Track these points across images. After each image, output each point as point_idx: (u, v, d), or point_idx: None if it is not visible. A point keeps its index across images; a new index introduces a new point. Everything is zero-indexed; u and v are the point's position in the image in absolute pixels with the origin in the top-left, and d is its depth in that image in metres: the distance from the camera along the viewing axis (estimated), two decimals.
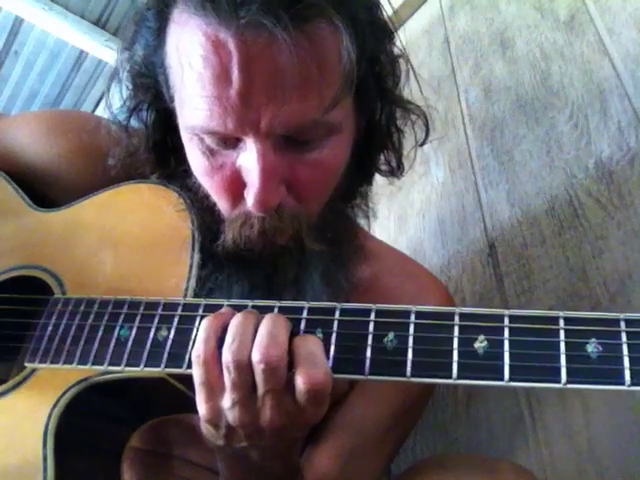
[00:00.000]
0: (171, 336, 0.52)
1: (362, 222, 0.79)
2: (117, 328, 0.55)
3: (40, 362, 0.58)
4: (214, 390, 0.48)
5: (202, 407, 0.49)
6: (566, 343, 0.42)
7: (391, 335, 0.46)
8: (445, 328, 0.45)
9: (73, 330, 0.57)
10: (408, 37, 1.37)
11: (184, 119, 0.58)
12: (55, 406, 0.54)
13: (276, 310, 0.50)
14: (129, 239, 0.63)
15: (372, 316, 0.47)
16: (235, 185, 0.58)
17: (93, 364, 0.54)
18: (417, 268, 0.81)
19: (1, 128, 0.77)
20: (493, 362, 0.43)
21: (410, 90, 0.70)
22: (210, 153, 0.58)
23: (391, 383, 0.48)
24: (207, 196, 0.62)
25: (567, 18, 0.97)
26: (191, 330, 0.52)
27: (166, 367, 0.51)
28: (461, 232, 1.00)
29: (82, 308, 0.58)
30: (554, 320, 0.43)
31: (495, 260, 0.90)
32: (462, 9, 1.24)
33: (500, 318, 0.44)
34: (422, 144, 0.72)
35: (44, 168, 0.74)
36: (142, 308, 0.55)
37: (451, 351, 0.44)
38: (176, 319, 0.53)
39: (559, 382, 0.41)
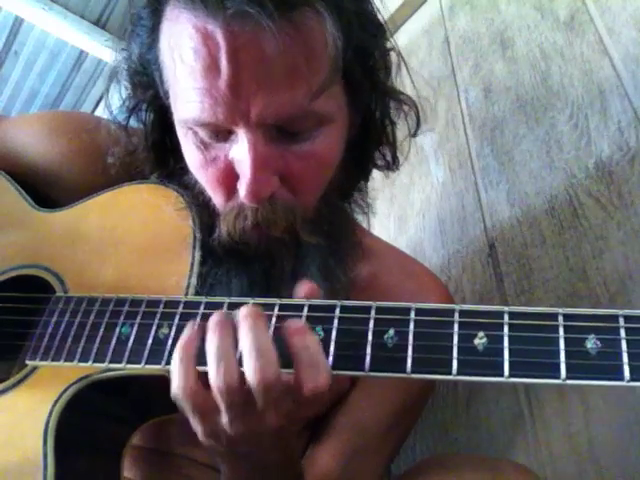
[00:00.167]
0: (172, 334, 0.52)
1: (363, 223, 0.79)
2: (118, 326, 0.55)
3: (41, 360, 0.58)
4: (208, 414, 0.48)
5: (199, 428, 0.49)
6: (565, 339, 0.42)
7: (391, 332, 0.46)
8: (445, 325, 0.45)
9: (74, 328, 0.57)
10: (408, 37, 1.37)
11: (178, 113, 0.59)
12: (56, 403, 0.54)
13: (276, 309, 0.50)
14: (130, 239, 0.63)
15: (372, 313, 0.47)
16: (228, 178, 0.58)
17: (94, 361, 0.54)
18: (417, 266, 0.81)
19: (3, 129, 0.77)
20: (493, 358, 0.43)
21: (404, 84, 0.70)
22: (204, 146, 0.58)
23: (392, 382, 0.48)
24: (203, 191, 0.62)
25: (567, 18, 0.98)
26: None
27: (167, 364, 0.51)
28: (461, 232, 1.00)
29: (83, 306, 0.58)
30: (553, 317, 0.43)
31: (495, 260, 0.90)
32: (462, 9, 1.24)
33: (500, 315, 0.44)
34: (414, 135, 0.72)
35: (46, 168, 0.74)
36: (143, 306, 0.55)
37: (451, 347, 0.44)
38: (177, 317, 0.53)
39: (558, 378, 0.41)
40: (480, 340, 0.44)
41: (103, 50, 2.44)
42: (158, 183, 0.66)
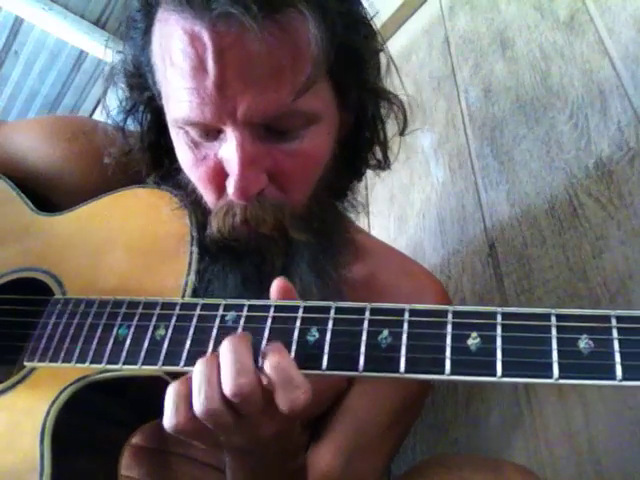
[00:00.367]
0: (169, 334, 0.53)
1: (362, 223, 0.79)
2: (116, 327, 0.55)
3: (39, 361, 0.58)
4: (204, 436, 0.48)
5: (199, 445, 0.51)
6: (558, 339, 0.42)
7: (385, 332, 0.46)
8: (438, 325, 0.45)
9: (72, 329, 0.58)
10: (408, 37, 1.37)
11: (169, 113, 0.60)
12: (53, 404, 0.54)
13: (272, 311, 0.50)
14: (128, 241, 0.64)
15: (367, 314, 0.48)
16: (218, 176, 0.59)
17: (91, 362, 0.55)
18: (414, 266, 0.81)
19: (2, 134, 0.78)
20: (486, 358, 0.43)
21: (393, 85, 0.70)
22: (194, 146, 0.60)
23: (391, 380, 0.48)
24: (195, 190, 0.64)
25: (567, 18, 0.97)
26: (188, 328, 0.52)
27: (163, 365, 0.52)
28: (461, 232, 1.00)
29: (81, 308, 0.59)
30: (546, 317, 0.43)
31: (495, 260, 0.90)
32: (462, 9, 1.24)
33: (493, 315, 0.44)
34: (402, 133, 0.72)
35: (47, 172, 0.75)
36: (141, 308, 0.56)
37: (444, 347, 0.44)
38: (174, 318, 0.54)
39: (551, 377, 0.41)
40: (473, 340, 0.44)
41: (103, 50, 2.44)
42: (154, 187, 0.67)
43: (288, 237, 0.62)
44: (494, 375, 0.42)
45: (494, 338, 0.43)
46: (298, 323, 0.49)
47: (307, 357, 0.48)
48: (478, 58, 1.13)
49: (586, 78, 0.90)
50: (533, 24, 1.04)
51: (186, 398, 0.47)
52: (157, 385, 0.55)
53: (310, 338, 0.48)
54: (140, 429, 0.60)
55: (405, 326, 0.46)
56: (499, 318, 0.44)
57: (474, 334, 0.44)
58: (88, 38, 2.40)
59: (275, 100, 0.55)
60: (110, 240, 0.65)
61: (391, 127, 0.72)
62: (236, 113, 0.55)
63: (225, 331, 0.51)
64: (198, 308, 0.53)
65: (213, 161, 0.59)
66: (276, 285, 0.51)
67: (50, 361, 0.57)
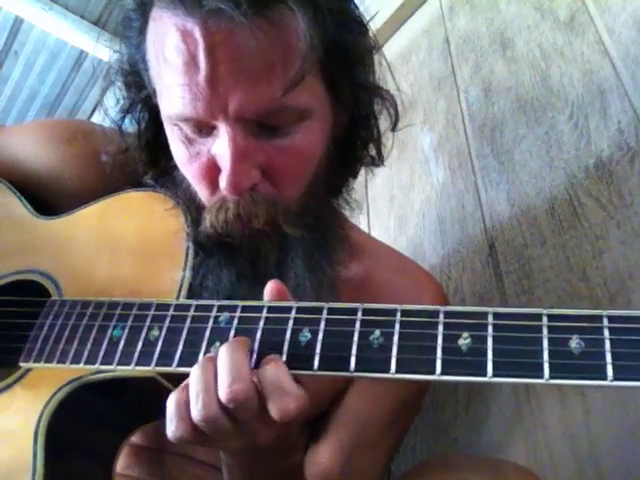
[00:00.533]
0: (162, 335, 0.53)
1: (362, 223, 0.79)
2: (110, 328, 0.56)
3: (35, 361, 0.58)
4: (205, 440, 0.48)
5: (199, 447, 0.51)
6: (549, 339, 0.42)
7: (377, 332, 0.46)
8: (430, 325, 0.45)
9: (68, 330, 0.58)
10: (408, 37, 1.37)
11: (163, 110, 0.61)
12: (47, 404, 0.54)
13: (265, 311, 0.51)
14: (125, 244, 0.64)
15: (359, 315, 0.48)
16: (211, 172, 0.60)
17: (86, 363, 0.55)
18: (411, 265, 0.81)
19: (2, 138, 0.78)
20: (476, 358, 0.43)
21: (386, 82, 0.71)
22: (188, 142, 0.60)
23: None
24: (189, 186, 0.64)
25: (567, 18, 0.97)
26: (182, 329, 0.53)
27: (157, 365, 0.52)
28: (461, 232, 1.00)
29: (77, 309, 0.59)
30: (537, 317, 0.43)
31: (495, 260, 0.90)
32: (462, 9, 1.24)
33: (484, 315, 0.45)
34: (393, 129, 0.73)
35: (46, 175, 0.75)
36: (135, 309, 0.56)
37: (435, 348, 0.44)
38: (167, 319, 0.54)
39: (542, 378, 0.41)
40: (464, 340, 0.44)
41: (103, 50, 2.44)
42: (148, 189, 0.68)
43: (282, 233, 0.62)
44: (484, 375, 0.42)
45: (485, 338, 0.43)
46: (290, 324, 0.49)
47: (299, 358, 0.48)
48: (478, 58, 1.13)
49: (586, 78, 0.90)
50: (533, 24, 1.04)
51: (187, 405, 0.47)
52: (153, 388, 0.55)
53: (302, 339, 0.48)
54: (140, 429, 0.60)
55: (397, 326, 0.46)
56: (490, 318, 0.44)
57: (465, 334, 0.44)
58: (88, 38, 2.40)
59: (266, 95, 0.55)
60: (106, 243, 0.65)
61: (385, 123, 0.72)
62: (228, 108, 0.55)
63: (218, 332, 0.51)
64: (192, 309, 0.54)
65: (206, 157, 0.60)
66: (270, 287, 0.51)
67: (45, 362, 0.58)
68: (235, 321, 0.51)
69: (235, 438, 0.48)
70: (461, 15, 1.24)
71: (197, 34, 0.54)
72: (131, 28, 0.62)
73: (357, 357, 0.46)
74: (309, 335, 0.48)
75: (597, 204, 0.79)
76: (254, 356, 0.48)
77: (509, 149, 0.97)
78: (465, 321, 0.45)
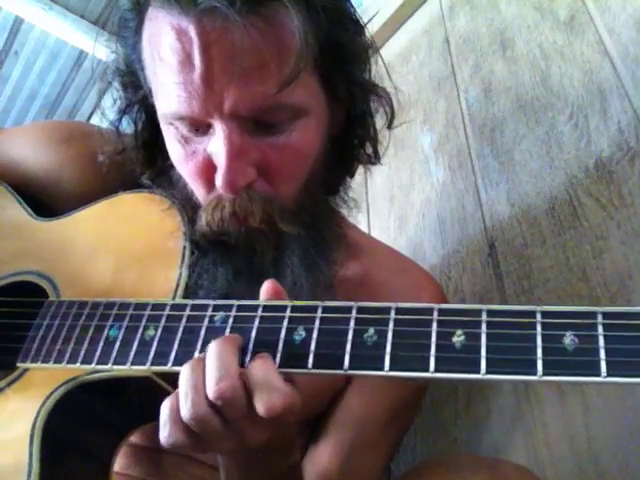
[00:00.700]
0: (158, 335, 0.53)
1: (362, 223, 0.79)
2: (107, 328, 0.56)
3: (32, 362, 0.58)
4: (197, 444, 0.48)
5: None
6: (543, 336, 0.42)
7: (371, 330, 0.47)
8: (424, 323, 0.45)
9: (65, 331, 0.58)
10: (408, 37, 1.37)
11: (159, 109, 0.61)
12: (44, 404, 0.54)
13: (260, 310, 0.51)
14: (121, 244, 0.65)
15: (354, 313, 0.48)
16: (207, 170, 0.60)
17: (82, 363, 0.55)
18: (409, 264, 0.81)
19: (0, 140, 0.78)
20: (470, 355, 0.43)
21: (382, 80, 0.71)
22: (184, 141, 0.61)
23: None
24: (186, 185, 0.64)
25: (567, 18, 0.97)
26: (177, 329, 0.53)
27: (152, 365, 0.52)
28: (461, 232, 1.00)
29: (74, 310, 0.59)
30: (531, 314, 0.43)
31: (495, 260, 0.90)
32: (462, 9, 1.24)
33: (478, 313, 0.45)
34: (389, 127, 0.73)
35: (46, 177, 0.75)
36: (131, 309, 0.56)
37: (429, 345, 0.44)
38: (163, 319, 0.54)
39: (535, 374, 0.41)
40: (458, 338, 0.44)
41: (103, 50, 2.44)
42: (144, 190, 0.68)
43: (278, 231, 0.62)
44: (478, 372, 0.42)
45: (479, 335, 0.43)
46: (285, 322, 0.49)
47: (293, 356, 0.48)
48: (478, 58, 1.13)
49: (586, 78, 0.90)
50: (533, 24, 1.04)
51: (179, 411, 0.47)
52: (149, 389, 0.55)
53: (297, 337, 0.48)
54: (139, 429, 0.60)
55: (391, 324, 0.46)
56: (484, 315, 0.44)
57: (459, 331, 0.44)
58: (88, 38, 2.40)
59: (261, 93, 0.56)
60: (103, 244, 0.66)
61: (382, 122, 0.72)
62: (223, 106, 0.56)
63: (213, 331, 0.51)
64: (188, 309, 0.54)
65: (202, 155, 0.60)
66: (266, 287, 0.51)
67: (42, 362, 0.58)
68: (230, 320, 0.51)
69: (226, 439, 0.48)
70: (461, 15, 1.24)
71: (192, 33, 0.54)
72: (127, 28, 0.63)
73: (351, 355, 0.46)
74: (304, 334, 0.48)
75: (597, 204, 0.79)
76: (248, 355, 0.48)
77: (509, 149, 0.97)
78: (459, 318, 0.45)
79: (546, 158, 0.90)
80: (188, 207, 0.64)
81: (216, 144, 0.58)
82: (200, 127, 0.59)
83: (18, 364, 0.59)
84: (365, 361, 0.46)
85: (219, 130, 0.57)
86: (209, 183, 0.61)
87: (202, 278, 0.61)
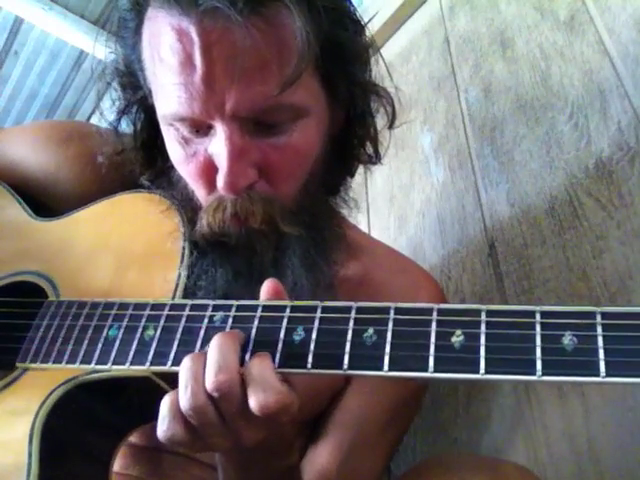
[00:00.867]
0: (157, 335, 0.53)
1: (362, 223, 0.79)
2: (106, 328, 0.56)
3: (31, 362, 0.58)
4: (195, 440, 0.48)
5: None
6: (542, 336, 0.42)
7: (370, 330, 0.47)
8: (423, 323, 0.45)
9: (64, 331, 0.58)
10: (408, 37, 1.37)
11: (159, 110, 0.61)
12: (43, 404, 0.54)
13: (259, 310, 0.51)
14: (120, 245, 0.65)
15: (353, 313, 0.48)
16: (208, 171, 0.60)
17: (81, 363, 0.55)
18: (409, 264, 0.81)
19: (0, 140, 0.78)
20: (469, 355, 0.43)
21: (383, 80, 0.71)
22: (185, 142, 0.60)
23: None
24: (186, 186, 0.64)
25: (567, 18, 0.97)
26: (177, 329, 0.53)
27: (151, 365, 0.52)
28: (461, 232, 1.00)
29: (74, 310, 0.59)
30: (530, 314, 0.43)
31: (495, 260, 0.90)
32: (462, 9, 1.24)
33: (477, 313, 0.45)
34: (390, 127, 0.73)
35: (45, 177, 0.75)
36: (131, 309, 0.56)
37: (428, 345, 0.44)
38: (163, 319, 0.54)
39: (534, 374, 0.41)
40: (457, 338, 0.44)
41: (103, 50, 2.44)
42: (143, 191, 0.68)
43: (279, 231, 0.62)
44: (477, 372, 0.42)
45: (478, 335, 0.43)
46: (285, 322, 0.49)
47: (293, 356, 0.48)
48: (478, 58, 1.13)
49: (586, 78, 0.90)
50: (533, 24, 1.04)
51: (178, 405, 0.47)
52: (149, 389, 0.55)
53: (296, 337, 0.48)
54: (139, 429, 0.60)
55: (390, 324, 0.46)
56: (483, 315, 0.44)
57: (458, 331, 0.44)
58: (88, 38, 2.40)
59: (262, 93, 0.56)
60: (103, 244, 0.66)
61: (382, 122, 0.72)
62: (224, 107, 0.56)
63: (213, 331, 0.51)
64: (187, 309, 0.54)
65: (203, 156, 0.60)
66: (267, 286, 0.51)
67: (41, 362, 0.58)
68: (230, 320, 0.51)
69: (222, 436, 0.48)
70: (461, 15, 1.24)
71: (193, 33, 0.54)
72: (126, 28, 0.63)
73: (350, 355, 0.46)
74: (303, 334, 0.48)
75: (597, 204, 0.79)
76: (248, 354, 0.48)
77: (509, 149, 0.97)
78: (458, 318, 0.45)
79: (546, 158, 0.90)
80: (188, 208, 0.64)
81: (217, 145, 0.58)
82: (201, 128, 0.59)
83: (17, 364, 0.59)
84: (364, 361, 0.46)
85: (220, 131, 0.57)
86: (210, 184, 0.61)
87: (201, 279, 0.62)
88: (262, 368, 0.46)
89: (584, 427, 0.70)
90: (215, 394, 0.45)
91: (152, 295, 0.57)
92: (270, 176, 0.61)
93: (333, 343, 0.47)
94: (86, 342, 0.56)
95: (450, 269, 0.98)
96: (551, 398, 0.74)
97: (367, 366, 0.46)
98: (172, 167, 0.65)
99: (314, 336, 0.48)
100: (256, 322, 0.50)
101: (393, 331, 0.46)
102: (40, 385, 0.56)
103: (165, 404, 0.47)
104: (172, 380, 0.51)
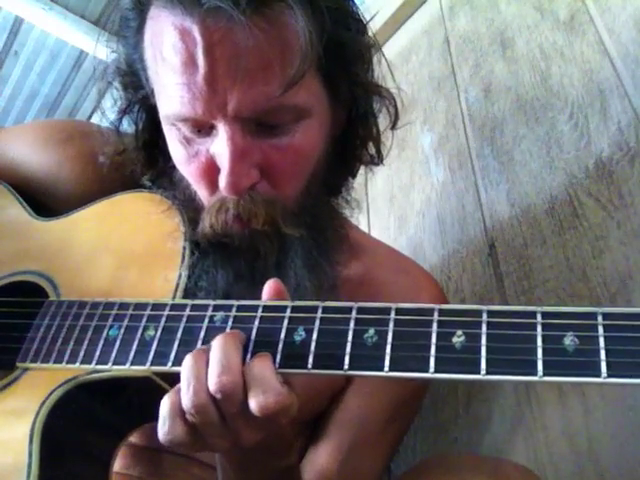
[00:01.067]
0: (158, 335, 0.53)
1: (362, 223, 0.79)
2: (107, 328, 0.56)
3: (31, 362, 0.58)
4: (195, 440, 0.48)
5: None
6: (543, 337, 0.42)
7: (371, 331, 0.47)
8: (424, 323, 0.45)
9: (64, 331, 0.58)
10: (408, 37, 1.37)
11: (161, 110, 0.61)
12: (43, 404, 0.54)
13: (260, 310, 0.51)
14: (121, 244, 0.65)
15: (353, 313, 0.48)
16: (210, 171, 0.60)
17: (82, 363, 0.55)
18: (410, 264, 0.81)
19: (0, 140, 0.78)
20: (470, 356, 0.43)
21: (385, 80, 0.71)
22: (187, 142, 0.60)
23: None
24: (188, 186, 0.64)
25: (567, 18, 0.97)
26: (177, 329, 0.53)
27: (152, 365, 0.52)
28: (461, 232, 1.00)
29: (74, 310, 0.59)
30: (532, 314, 0.43)
31: (495, 260, 0.90)
32: (462, 9, 1.24)
33: (478, 313, 0.45)
34: (393, 127, 0.73)
35: (46, 176, 0.75)
36: (131, 309, 0.56)
37: (429, 346, 0.44)
38: (163, 319, 0.54)
39: (535, 375, 0.41)
40: (458, 338, 0.44)
41: (103, 50, 2.44)
42: (144, 191, 0.68)
43: (281, 233, 0.62)
44: (478, 373, 0.42)
45: (479, 336, 0.43)
46: (285, 323, 0.49)
47: (293, 357, 0.48)
48: (478, 58, 1.13)
49: (586, 78, 0.90)
50: (533, 24, 1.04)
51: (180, 406, 0.47)
52: (149, 389, 0.55)
53: (297, 338, 0.48)
54: (139, 429, 0.60)
55: (391, 325, 0.46)
56: (484, 316, 0.44)
57: (459, 332, 0.44)
58: (88, 38, 2.39)
59: (264, 94, 0.55)
60: (104, 244, 0.66)
61: (384, 122, 0.72)
62: (226, 108, 0.55)
63: (213, 331, 0.51)
64: (187, 309, 0.54)
65: (205, 157, 0.60)
66: (269, 286, 0.51)
67: (42, 362, 0.58)
68: (230, 320, 0.51)
69: (222, 437, 0.48)
70: (461, 15, 1.24)
71: (196, 33, 0.54)
72: (128, 27, 0.62)
73: (351, 355, 0.46)
74: (304, 334, 0.48)
75: (597, 204, 0.79)
76: (249, 355, 0.48)
77: (509, 149, 0.97)
78: (459, 319, 0.45)
79: (546, 158, 0.90)
80: (190, 208, 0.63)
81: (219, 145, 0.58)
82: (203, 128, 0.59)
83: (17, 364, 0.59)
84: (365, 361, 0.46)
85: (222, 131, 0.57)
86: (212, 184, 0.61)
87: (202, 279, 0.61)
88: (262, 369, 0.46)
89: (584, 427, 0.70)
90: (218, 395, 0.45)
91: (152, 295, 0.57)
92: (272, 177, 0.60)
93: (334, 343, 0.47)
94: (86, 342, 0.56)
95: (450, 269, 0.98)
96: (551, 398, 0.74)
97: (368, 366, 0.46)
98: (174, 167, 0.65)
99: (315, 336, 0.48)
100: (256, 322, 0.50)
101: (394, 332, 0.46)
102: (40, 385, 0.56)
103: (165, 404, 0.47)
104: (172, 380, 0.51)
